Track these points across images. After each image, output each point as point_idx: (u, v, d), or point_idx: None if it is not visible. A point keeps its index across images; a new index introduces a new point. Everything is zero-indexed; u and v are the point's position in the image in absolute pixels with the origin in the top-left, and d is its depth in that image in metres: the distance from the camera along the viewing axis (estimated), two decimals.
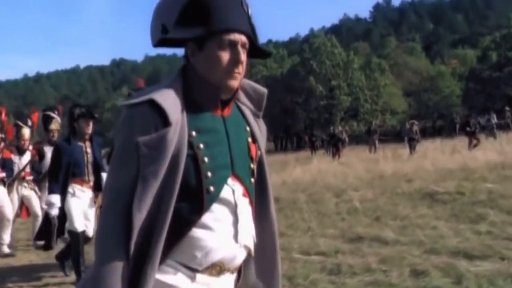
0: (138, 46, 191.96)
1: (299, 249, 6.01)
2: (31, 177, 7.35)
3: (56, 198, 5.01)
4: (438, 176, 10.35)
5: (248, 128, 1.61)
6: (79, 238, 5.06)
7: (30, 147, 7.59)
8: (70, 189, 5.07)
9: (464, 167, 11.54)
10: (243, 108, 1.62)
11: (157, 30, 1.50)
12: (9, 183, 7.13)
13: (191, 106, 1.48)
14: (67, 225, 5.14)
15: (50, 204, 5.06)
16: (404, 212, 7.58)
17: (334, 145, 21.89)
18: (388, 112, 45.45)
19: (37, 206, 7.30)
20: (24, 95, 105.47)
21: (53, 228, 5.10)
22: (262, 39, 1.64)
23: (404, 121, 43.64)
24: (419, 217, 7.19)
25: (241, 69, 1.50)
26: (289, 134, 42.63)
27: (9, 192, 7.15)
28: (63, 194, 5.05)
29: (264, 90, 1.66)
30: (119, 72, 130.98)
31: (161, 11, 1.51)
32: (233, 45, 1.46)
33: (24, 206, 7.51)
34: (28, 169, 7.27)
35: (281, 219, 8.44)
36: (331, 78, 41.10)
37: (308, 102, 40.52)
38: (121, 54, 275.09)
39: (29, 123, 7.50)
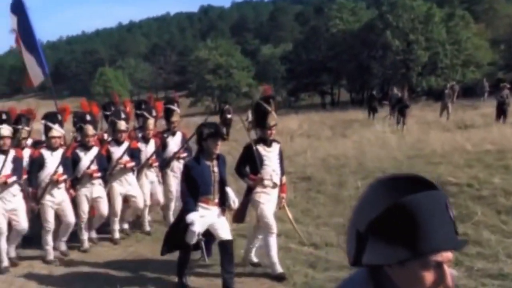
0: None
1: (298, 239, 6.78)
2: (156, 164, 7.73)
3: (195, 215, 5.14)
4: (467, 160, 10.74)
5: None
6: (189, 251, 5.36)
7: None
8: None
9: (502, 148, 11.77)
10: None
11: (352, 242, 1.38)
12: (138, 170, 7.63)
13: None
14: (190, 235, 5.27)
15: (190, 223, 5.13)
16: None
17: (399, 111, 20.14)
18: (473, 65, 43.50)
19: (160, 194, 7.87)
20: (118, 44, 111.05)
21: (201, 243, 5.19)
22: None
23: (489, 75, 41.73)
24: None
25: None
26: (364, 90, 42.43)
27: (139, 179, 7.65)
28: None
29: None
30: (207, 19, 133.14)
31: (357, 214, 1.39)
32: (439, 265, 1.30)
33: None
34: (154, 157, 7.70)
35: (303, 202, 9.39)
36: (409, 33, 39.99)
37: (384, 57, 39.89)
38: (208, 0, 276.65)
39: (154, 113, 7.91)
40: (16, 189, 6.34)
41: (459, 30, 41.88)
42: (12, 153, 6.27)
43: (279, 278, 5.68)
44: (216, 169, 5.26)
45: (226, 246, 5.32)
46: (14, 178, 6.22)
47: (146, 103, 8.64)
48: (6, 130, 6.23)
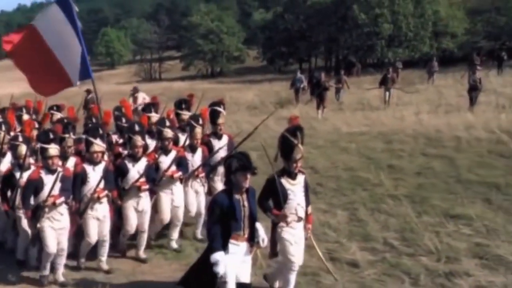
0: None
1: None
2: (203, 174, 7.47)
3: (220, 255, 4.92)
4: (327, 141, 12.85)
5: None
6: None
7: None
8: None
9: (365, 131, 13.94)
10: None
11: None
12: (184, 180, 7.35)
13: None
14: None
15: (215, 263, 4.90)
16: None
17: (318, 95, 19.33)
18: (449, 36, 45.31)
19: (202, 202, 7.53)
20: (123, 2, 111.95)
21: (217, 284, 5.04)
22: None
23: (463, 44, 43.30)
24: None
25: None
26: (338, 59, 44.67)
27: (184, 189, 7.41)
28: (224, 249, 4.97)
29: None
30: None
31: None
32: None
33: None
34: (200, 168, 7.40)
35: None
36: (375, 7, 42.36)
37: (352, 30, 42.40)
38: None
39: (200, 122, 7.50)
40: (63, 208, 6.26)
41: (426, 4, 43.72)
42: (60, 172, 6.17)
43: None
44: (246, 203, 5.06)
45: None
46: (62, 199, 6.15)
47: (186, 102, 8.40)
48: (54, 149, 6.14)
